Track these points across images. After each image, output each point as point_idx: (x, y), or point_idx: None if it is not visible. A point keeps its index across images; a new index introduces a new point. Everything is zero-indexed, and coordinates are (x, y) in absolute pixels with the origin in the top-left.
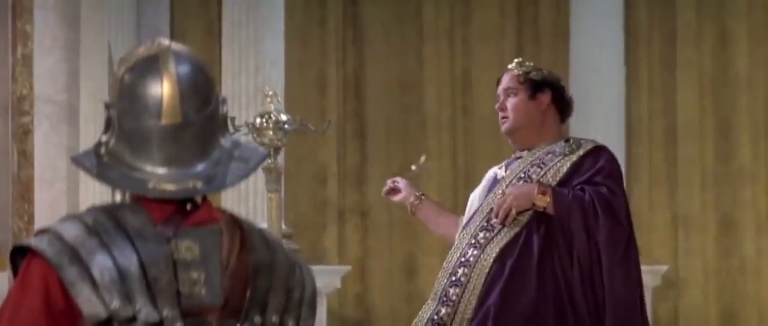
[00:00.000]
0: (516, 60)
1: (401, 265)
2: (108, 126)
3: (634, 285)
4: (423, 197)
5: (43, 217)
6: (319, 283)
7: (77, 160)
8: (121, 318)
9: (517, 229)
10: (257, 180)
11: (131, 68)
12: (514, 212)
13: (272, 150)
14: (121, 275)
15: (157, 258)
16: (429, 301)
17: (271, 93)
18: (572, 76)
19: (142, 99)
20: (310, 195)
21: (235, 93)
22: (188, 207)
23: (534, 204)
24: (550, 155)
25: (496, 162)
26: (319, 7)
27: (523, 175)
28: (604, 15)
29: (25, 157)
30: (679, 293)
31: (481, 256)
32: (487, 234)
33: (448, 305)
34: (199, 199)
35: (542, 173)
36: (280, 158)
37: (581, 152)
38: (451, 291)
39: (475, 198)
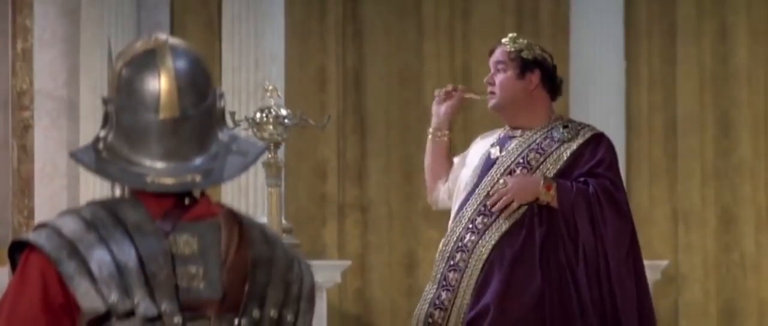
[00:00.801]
0: (510, 35)
1: (401, 260)
2: (106, 121)
3: (642, 279)
4: (450, 137)
5: (42, 212)
6: (319, 278)
7: (76, 155)
8: (120, 312)
9: (517, 217)
10: (257, 175)
11: (129, 63)
12: (515, 205)
13: (272, 145)
14: (120, 269)
15: (155, 252)
16: (429, 284)
17: (271, 88)
18: (572, 70)
19: (140, 94)
20: (310, 190)
21: (235, 88)
22: (187, 201)
23: (537, 199)
24: (548, 140)
25: None
26: (319, 2)
27: (521, 160)
28: (604, 9)
29: (25, 151)
30: (679, 288)
31: (480, 242)
32: (485, 220)
33: (448, 289)
34: (197, 194)
35: (542, 160)
36: (280, 153)
37: (581, 140)
38: (451, 275)
39: (467, 175)
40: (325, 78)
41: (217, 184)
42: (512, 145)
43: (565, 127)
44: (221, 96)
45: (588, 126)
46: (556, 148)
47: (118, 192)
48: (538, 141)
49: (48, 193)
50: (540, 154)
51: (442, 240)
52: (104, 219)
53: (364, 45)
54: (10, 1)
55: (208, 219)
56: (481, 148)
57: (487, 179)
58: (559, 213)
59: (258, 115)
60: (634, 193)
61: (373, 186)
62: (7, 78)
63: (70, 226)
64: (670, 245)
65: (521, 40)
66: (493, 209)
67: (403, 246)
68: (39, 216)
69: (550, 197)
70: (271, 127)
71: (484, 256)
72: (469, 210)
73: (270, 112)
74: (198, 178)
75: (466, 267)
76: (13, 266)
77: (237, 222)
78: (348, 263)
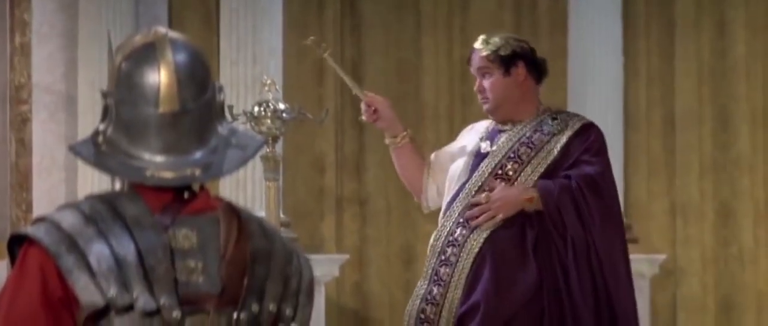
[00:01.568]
0: (481, 38)
1: (399, 253)
2: (105, 114)
3: (628, 267)
4: (409, 135)
5: (41, 206)
6: (317, 272)
7: (75, 149)
8: (119, 307)
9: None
10: (255, 168)
11: (128, 56)
12: (499, 219)
13: (270, 139)
14: (119, 263)
15: (154, 246)
16: (421, 280)
17: (269, 82)
18: (570, 65)
19: (140, 87)
20: (308, 184)
21: (233, 82)
22: (186, 195)
23: (522, 210)
24: (538, 133)
25: None
26: None
27: (512, 155)
28: (602, 5)
29: (24, 145)
30: (677, 282)
31: (470, 237)
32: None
33: (439, 284)
34: (196, 187)
35: (533, 154)
36: (278, 147)
37: (570, 132)
38: (442, 270)
39: (457, 168)
40: (323, 72)
41: (217, 178)
42: (502, 139)
43: (554, 119)
44: (220, 89)
45: (577, 116)
46: (547, 142)
47: (117, 185)
48: (528, 134)
49: (46, 187)
50: (531, 148)
51: (433, 235)
52: (103, 213)
53: (362, 39)
54: None
55: (207, 213)
56: (469, 139)
57: (477, 174)
58: (546, 215)
59: (256, 109)
60: (633, 188)
61: (371, 180)
62: (5, 72)
63: (69, 220)
64: (668, 239)
65: (494, 39)
66: (473, 223)
67: (401, 240)
68: (37, 210)
69: (533, 206)
70: (268, 120)
71: (476, 250)
72: (459, 206)
73: (268, 106)
74: (197, 172)
75: (457, 261)
76: (13, 260)
77: (236, 216)
78: (346, 257)
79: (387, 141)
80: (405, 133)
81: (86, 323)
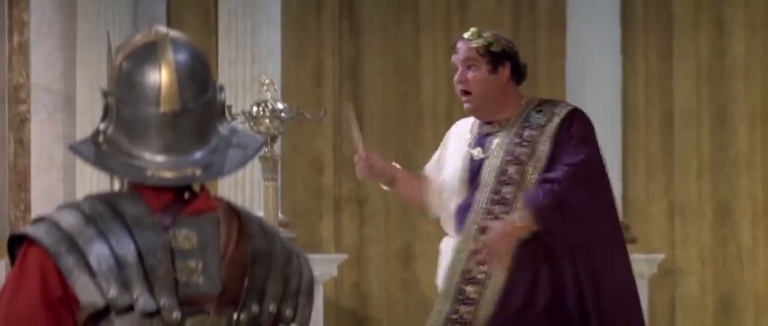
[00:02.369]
0: (472, 29)
1: (398, 253)
2: (106, 114)
3: (624, 255)
4: (401, 170)
5: (39, 206)
6: (316, 272)
7: (75, 148)
8: (119, 307)
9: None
10: (254, 168)
11: (129, 56)
12: (506, 255)
13: (269, 138)
14: (119, 263)
15: (154, 246)
16: (440, 301)
17: (267, 82)
18: (569, 64)
19: (141, 86)
20: (306, 184)
21: (231, 82)
22: (186, 195)
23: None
24: (527, 129)
25: None
26: None
27: (510, 158)
28: (600, 3)
29: (22, 145)
30: (676, 282)
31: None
32: None
33: (466, 303)
34: (197, 188)
35: (530, 152)
36: (277, 147)
37: (557, 119)
38: (468, 288)
39: (448, 177)
40: (321, 72)
41: (218, 178)
42: (494, 143)
43: (539, 111)
44: (221, 89)
45: (560, 103)
46: (539, 135)
47: (115, 185)
48: (518, 132)
49: (45, 187)
50: (525, 146)
51: (448, 255)
52: (103, 213)
53: (360, 39)
54: None
55: (207, 214)
56: (456, 145)
57: (483, 185)
58: (541, 233)
59: (255, 108)
60: (631, 187)
61: None
62: (4, 71)
63: (69, 220)
64: (667, 239)
65: (486, 34)
66: (488, 267)
67: (400, 240)
68: (36, 210)
69: (528, 231)
70: (267, 120)
71: (472, 244)
72: (473, 223)
73: (266, 106)
74: (198, 172)
75: (487, 279)
76: (12, 260)
77: (236, 216)
78: (344, 257)
79: (385, 188)
80: (398, 171)
81: (86, 323)
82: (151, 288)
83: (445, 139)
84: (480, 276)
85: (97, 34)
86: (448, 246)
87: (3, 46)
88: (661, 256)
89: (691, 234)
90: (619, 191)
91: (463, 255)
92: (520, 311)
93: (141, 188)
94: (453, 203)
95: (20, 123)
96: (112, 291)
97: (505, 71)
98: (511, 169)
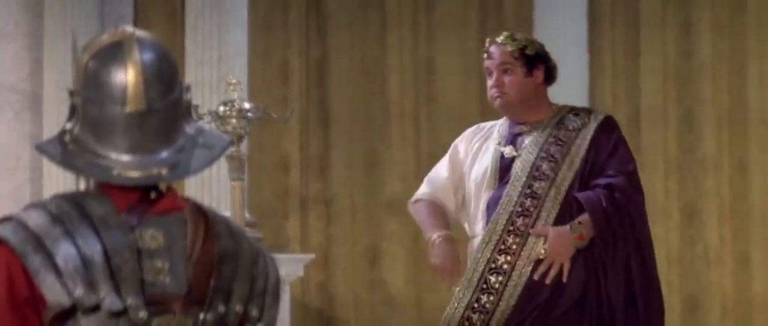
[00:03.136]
0: (505, 33)
1: (364, 253)
2: (72, 113)
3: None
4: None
5: (5, 205)
6: (282, 272)
7: (41, 148)
8: (85, 307)
9: (556, 218)
10: (220, 168)
11: (95, 55)
12: (567, 266)
13: (235, 138)
14: (85, 263)
15: (121, 246)
16: (461, 288)
17: (234, 81)
18: None
19: (107, 86)
20: (273, 184)
21: (198, 82)
22: (152, 195)
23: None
24: (563, 130)
25: None
26: None
27: (545, 155)
28: (567, 2)
29: None
30: None
31: (526, 245)
32: (526, 221)
33: (489, 293)
34: (163, 187)
35: (565, 152)
36: (243, 146)
37: (595, 124)
38: (492, 278)
39: (477, 178)
40: (288, 71)
41: (184, 178)
42: (527, 141)
43: (576, 114)
44: (188, 89)
45: (594, 109)
46: (575, 137)
47: (82, 185)
48: (553, 132)
49: (11, 187)
50: (560, 145)
51: (476, 243)
52: (70, 212)
53: (327, 38)
54: None
55: (174, 214)
56: (479, 147)
57: (514, 179)
58: (598, 238)
59: (221, 108)
60: None
61: (336, 180)
62: None
63: (36, 220)
64: None
65: (519, 36)
66: (548, 281)
67: (366, 240)
68: (2, 210)
69: (586, 242)
70: (234, 120)
71: (532, 257)
72: (504, 216)
73: (233, 106)
74: (164, 171)
75: (513, 269)
76: None
77: (203, 216)
78: (311, 256)
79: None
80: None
81: (53, 323)
82: (117, 288)
83: (450, 152)
84: (505, 267)
85: (63, 34)
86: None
87: None
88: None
89: (657, 234)
90: None
91: (491, 245)
92: (543, 307)
93: (107, 188)
94: (482, 199)
95: None
96: (79, 291)
97: (540, 73)
98: (545, 166)
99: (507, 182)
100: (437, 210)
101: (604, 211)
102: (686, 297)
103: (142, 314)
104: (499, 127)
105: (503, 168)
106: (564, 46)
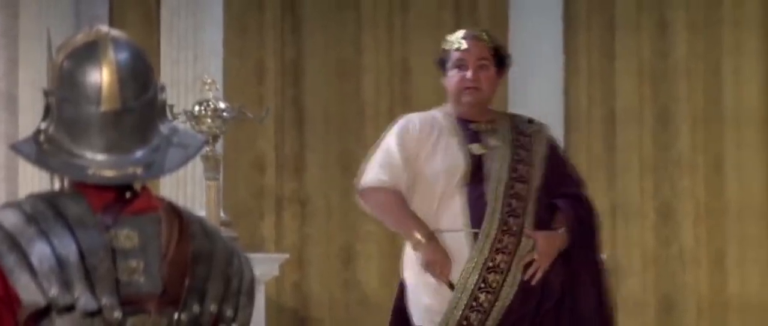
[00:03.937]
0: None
1: (339, 253)
2: (47, 113)
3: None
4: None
5: None
6: (257, 271)
7: (16, 147)
8: (60, 306)
9: (533, 215)
10: (196, 168)
11: (70, 55)
12: (546, 267)
13: (210, 138)
14: (60, 263)
15: (96, 246)
16: (458, 291)
17: (209, 81)
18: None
19: (82, 86)
20: (248, 183)
21: (173, 81)
22: (127, 194)
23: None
24: (520, 135)
25: None
26: None
27: (517, 157)
28: (542, 3)
29: None
30: (618, 282)
31: (520, 245)
32: (517, 220)
33: (487, 291)
34: (138, 187)
35: (531, 156)
36: (219, 146)
37: (547, 133)
38: (491, 277)
39: (452, 174)
40: (263, 71)
41: (159, 177)
42: (493, 141)
43: (527, 121)
44: (163, 88)
45: (530, 117)
46: (532, 143)
47: (57, 185)
48: (514, 135)
49: None
50: (524, 149)
51: (450, 237)
52: (45, 212)
53: (302, 38)
54: None
55: (149, 213)
56: (438, 139)
57: (501, 185)
58: (576, 244)
59: (196, 107)
60: None
61: (312, 180)
62: None
63: (11, 219)
64: (609, 239)
65: (491, 35)
66: (533, 282)
67: (341, 240)
68: None
69: (566, 243)
70: (209, 119)
71: (526, 259)
72: (497, 215)
73: (208, 105)
74: (139, 171)
75: (509, 269)
76: None
77: (177, 216)
78: (286, 256)
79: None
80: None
81: (27, 323)
82: (92, 288)
83: (398, 138)
84: (502, 266)
85: (39, 34)
86: (456, 242)
87: None
88: (602, 256)
89: (632, 234)
90: None
91: (488, 244)
92: (535, 306)
93: (83, 187)
94: (456, 195)
95: None
96: (54, 291)
97: (503, 75)
98: (520, 168)
99: (481, 180)
100: (406, 203)
101: (583, 220)
102: (661, 297)
103: (117, 314)
104: (443, 120)
105: (475, 165)
106: (539, 48)
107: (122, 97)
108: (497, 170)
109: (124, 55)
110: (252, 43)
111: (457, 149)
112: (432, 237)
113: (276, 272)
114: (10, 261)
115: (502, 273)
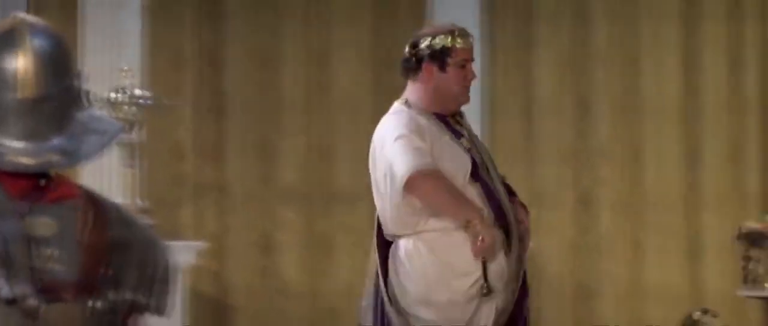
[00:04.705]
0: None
1: (257, 241)
2: None
3: None
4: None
5: None
6: (176, 259)
7: None
8: None
9: None
10: (114, 155)
11: None
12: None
13: (128, 125)
14: None
15: (12, 234)
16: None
17: (126, 68)
18: None
19: None
20: (166, 171)
21: (92, 69)
22: (44, 182)
23: None
24: (466, 126)
25: (354, 140)
26: None
27: (483, 147)
28: None
29: None
30: (539, 270)
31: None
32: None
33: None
34: (54, 174)
35: (480, 144)
36: (137, 134)
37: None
38: (521, 272)
39: (466, 171)
40: (182, 59)
41: (77, 164)
42: (466, 137)
43: (461, 115)
44: (80, 75)
45: None
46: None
47: None
48: (468, 127)
49: None
50: (476, 139)
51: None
52: None
53: (221, 26)
54: None
55: (66, 201)
56: (441, 136)
57: (498, 180)
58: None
59: (114, 95)
60: None
61: (231, 168)
62: None
63: None
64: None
65: None
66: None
67: (260, 228)
68: None
69: None
70: (126, 107)
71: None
72: (511, 210)
73: (125, 93)
74: (56, 158)
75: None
76: None
77: (95, 204)
78: (204, 244)
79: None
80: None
81: None
82: (7, 276)
83: (408, 129)
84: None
85: None
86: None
87: None
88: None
89: (552, 222)
90: None
91: (516, 238)
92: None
93: (0, 174)
94: (468, 189)
95: None
96: None
97: None
98: (489, 158)
99: (480, 174)
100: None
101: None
102: (579, 285)
103: (33, 302)
104: (422, 118)
105: (468, 153)
106: None
107: (40, 84)
108: (485, 162)
109: (42, 42)
110: (171, 31)
111: (456, 146)
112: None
113: (194, 260)
114: None
115: (521, 265)
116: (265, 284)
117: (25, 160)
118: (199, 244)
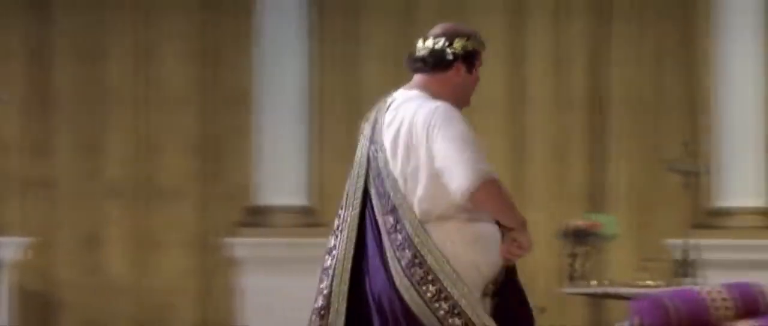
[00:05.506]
0: None
1: (85, 237)
2: None
3: None
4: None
5: None
6: (2, 255)
7: None
8: None
9: None
10: None
11: None
12: None
13: None
14: None
15: None
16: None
17: None
18: (256, 48)
19: None
20: None
21: None
22: None
23: None
24: None
25: (181, 135)
26: None
27: None
28: None
29: None
30: None
31: None
32: None
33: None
34: None
35: None
36: None
37: None
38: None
39: None
40: (9, 53)
41: None
42: None
43: None
44: None
45: None
46: None
47: None
48: None
49: None
50: None
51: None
52: None
53: (49, 21)
54: None
55: None
56: None
57: None
58: None
59: None
60: (317, 171)
61: (59, 163)
62: None
63: None
64: None
65: None
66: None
67: (88, 224)
68: None
69: None
70: None
71: None
72: None
73: None
74: None
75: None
76: None
77: None
78: (31, 240)
79: None
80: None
81: None
82: None
83: (468, 126)
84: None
85: None
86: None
87: None
88: None
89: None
90: (306, 175)
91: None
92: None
93: None
94: None
95: None
96: None
97: None
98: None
99: None
100: None
101: None
102: None
103: None
104: None
105: None
106: (285, 33)
107: None
108: None
109: None
110: None
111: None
112: None
113: (21, 256)
114: None
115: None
116: (92, 280)
117: None
118: (26, 240)
